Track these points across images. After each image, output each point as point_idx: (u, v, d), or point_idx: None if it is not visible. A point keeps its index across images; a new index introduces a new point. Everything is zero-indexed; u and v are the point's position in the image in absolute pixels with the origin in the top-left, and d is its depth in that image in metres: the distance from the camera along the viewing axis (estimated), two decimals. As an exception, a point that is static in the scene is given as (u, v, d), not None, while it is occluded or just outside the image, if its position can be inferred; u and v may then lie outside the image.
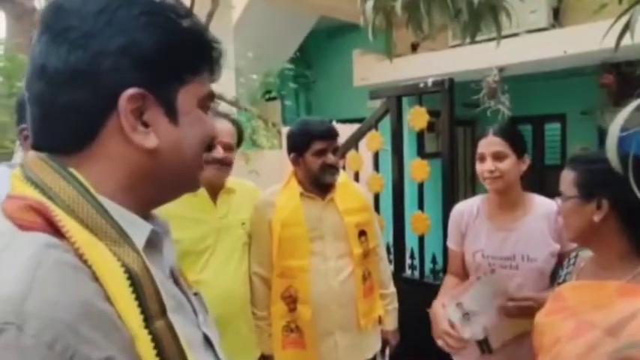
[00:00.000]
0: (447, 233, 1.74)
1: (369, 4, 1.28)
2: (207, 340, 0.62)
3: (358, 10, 1.40)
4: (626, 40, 0.93)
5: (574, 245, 1.24)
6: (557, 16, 3.74)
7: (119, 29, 0.51)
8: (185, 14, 0.57)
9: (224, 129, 1.59)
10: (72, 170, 0.51)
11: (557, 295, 1.12)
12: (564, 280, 1.21)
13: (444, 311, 1.39)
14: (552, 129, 5.70)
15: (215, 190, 1.62)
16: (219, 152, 1.55)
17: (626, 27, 0.92)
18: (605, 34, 0.99)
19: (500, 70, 3.63)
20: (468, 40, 1.38)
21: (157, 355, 0.46)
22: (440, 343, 1.38)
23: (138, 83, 0.52)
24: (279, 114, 5.40)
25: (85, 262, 0.45)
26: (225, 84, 3.22)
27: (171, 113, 0.55)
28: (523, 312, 1.35)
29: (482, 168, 1.52)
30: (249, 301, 1.68)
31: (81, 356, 0.40)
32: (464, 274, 1.66)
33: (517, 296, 1.39)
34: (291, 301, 1.65)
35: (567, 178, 1.10)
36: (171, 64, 0.55)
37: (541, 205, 1.53)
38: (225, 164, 1.58)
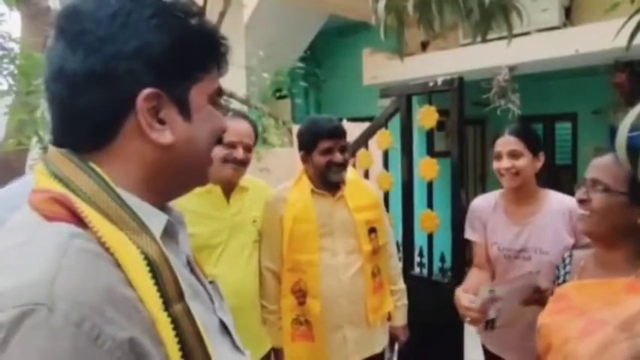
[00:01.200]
0: (457, 231, 1.78)
1: (381, 4, 1.30)
2: (224, 326, 0.64)
3: (369, 9, 1.42)
4: (639, 39, 0.94)
5: (588, 240, 1.22)
6: (569, 15, 3.70)
7: (132, 32, 0.54)
8: (194, 13, 0.60)
9: (245, 130, 1.63)
10: (92, 165, 0.54)
11: (560, 295, 1.12)
12: (564, 281, 1.21)
13: (468, 295, 1.45)
14: (563, 128, 5.65)
15: (229, 188, 1.66)
16: (239, 153, 1.59)
17: (638, 27, 0.93)
18: (617, 33, 1.00)
19: (511, 69, 3.61)
20: (479, 39, 1.39)
21: (177, 335, 0.48)
22: (462, 316, 1.46)
23: (152, 83, 0.54)
24: (290, 112, 5.43)
25: (107, 249, 0.48)
26: (236, 82, 3.25)
27: (185, 110, 0.58)
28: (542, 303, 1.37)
29: (500, 165, 1.61)
30: (259, 296, 1.71)
31: (106, 335, 0.42)
32: (489, 267, 1.72)
33: (543, 288, 1.42)
34: (301, 295, 1.68)
35: (617, 171, 1.02)
36: (182, 64, 0.57)
37: (557, 201, 1.60)
38: (244, 164, 1.62)
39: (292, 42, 5.03)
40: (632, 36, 1.01)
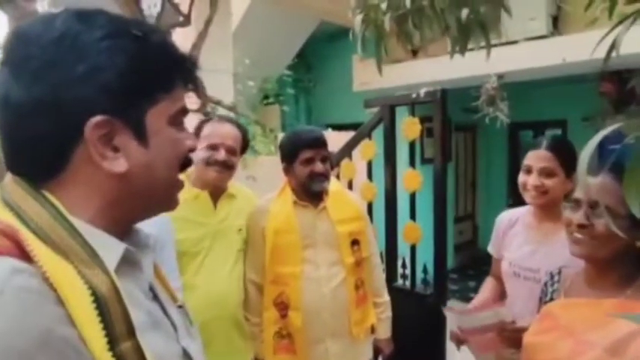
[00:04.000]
0: (439, 241, 1.75)
1: (358, 18, 1.29)
2: (187, 355, 0.62)
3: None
4: (624, 49, 0.93)
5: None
6: (557, 24, 3.72)
7: (81, 55, 0.51)
8: (154, 30, 0.57)
9: (229, 133, 1.62)
10: (46, 194, 0.51)
11: (546, 313, 1.09)
12: (551, 299, 1.19)
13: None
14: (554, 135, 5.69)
15: (216, 194, 1.65)
16: (221, 155, 1.57)
17: (612, 47, 0.92)
18: (594, 49, 0.99)
19: (500, 77, 3.62)
20: (458, 52, 1.38)
21: None
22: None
23: (104, 109, 0.51)
24: (279, 119, 5.42)
25: (50, 285, 0.45)
26: (223, 90, 3.24)
27: (141, 135, 0.55)
28: (512, 342, 1.33)
29: (527, 181, 1.48)
30: (241, 307, 1.69)
31: None
32: (501, 283, 1.67)
33: (509, 326, 1.35)
34: (283, 307, 1.66)
35: (616, 191, 0.96)
36: (137, 86, 0.54)
37: None
38: (227, 167, 1.60)
39: (282, 48, 5.02)
40: (608, 54, 1.00)
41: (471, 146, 6.19)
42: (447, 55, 1.45)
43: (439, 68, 4.05)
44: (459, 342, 1.47)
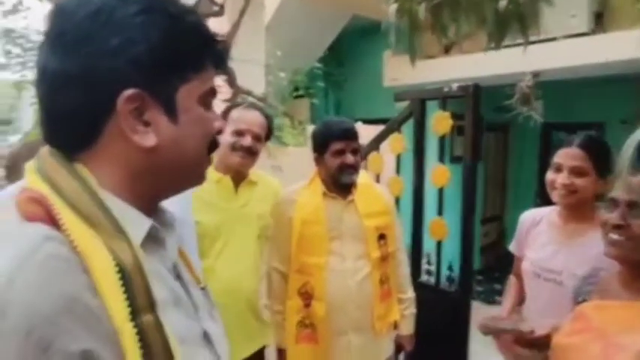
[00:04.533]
0: (467, 239, 1.72)
1: (393, 7, 1.28)
2: (207, 336, 0.62)
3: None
4: None
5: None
6: (599, 21, 3.58)
7: (115, 30, 0.52)
8: (189, 11, 0.58)
9: (255, 119, 1.65)
10: (77, 165, 0.53)
11: (579, 314, 1.07)
12: (584, 300, 1.17)
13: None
14: (590, 137, 5.49)
15: (238, 179, 1.68)
16: (247, 141, 1.60)
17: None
18: None
19: (535, 75, 3.51)
20: (493, 47, 1.36)
21: (142, 347, 0.47)
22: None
23: (136, 83, 0.52)
24: (308, 112, 5.43)
25: (78, 254, 0.47)
26: (254, 80, 3.27)
27: (171, 112, 0.56)
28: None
29: (556, 179, 1.43)
30: (257, 293, 1.71)
31: (57, 347, 0.42)
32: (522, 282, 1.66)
33: (527, 336, 1.29)
34: (307, 297, 1.68)
35: None
36: (170, 63, 0.55)
37: None
38: (252, 153, 1.63)
39: (314, 41, 5.03)
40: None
41: (502, 146, 6.04)
42: (480, 52, 1.42)
43: (472, 65, 3.97)
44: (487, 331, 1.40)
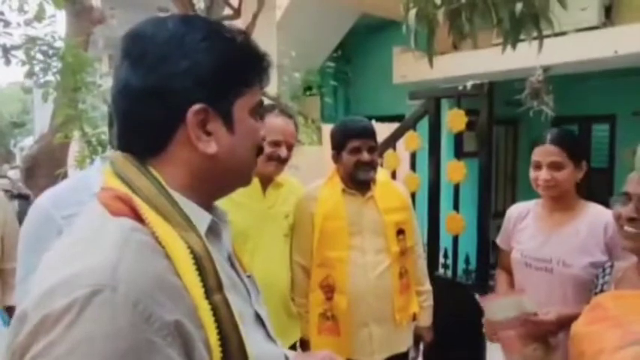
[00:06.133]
0: (483, 233, 1.77)
1: (412, 13, 1.33)
2: (259, 318, 0.71)
3: (400, 7, 1.44)
4: None
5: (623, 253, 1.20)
6: (609, 14, 3.58)
7: (185, 53, 0.61)
8: (240, 32, 0.67)
9: (289, 130, 1.71)
10: (150, 168, 0.62)
11: (596, 304, 1.10)
12: (602, 290, 1.19)
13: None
14: (600, 130, 5.47)
15: (266, 182, 1.74)
16: (283, 152, 1.67)
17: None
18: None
19: (545, 69, 3.52)
20: (509, 46, 1.40)
21: (215, 322, 0.55)
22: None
23: (201, 99, 0.61)
24: (319, 110, 5.47)
25: (159, 243, 0.55)
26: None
27: (229, 123, 0.65)
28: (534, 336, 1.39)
29: (538, 176, 1.53)
30: (289, 289, 1.77)
31: (156, 316, 0.49)
32: (510, 271, 1.72)
33: (532, 318, 1.40)
34: (329, 290, 1.73)
35: None
36: (227, 80, 0.64)
37: (594, 214, 1.51)
38: (284, 162, 1.71)
39: (323, 40, 5.07)
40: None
41: (512, 140, 6.04)
42: (490, 47, 1.46)
43: (482, 61, 3.98)
44: (491, 333, 1.53)
